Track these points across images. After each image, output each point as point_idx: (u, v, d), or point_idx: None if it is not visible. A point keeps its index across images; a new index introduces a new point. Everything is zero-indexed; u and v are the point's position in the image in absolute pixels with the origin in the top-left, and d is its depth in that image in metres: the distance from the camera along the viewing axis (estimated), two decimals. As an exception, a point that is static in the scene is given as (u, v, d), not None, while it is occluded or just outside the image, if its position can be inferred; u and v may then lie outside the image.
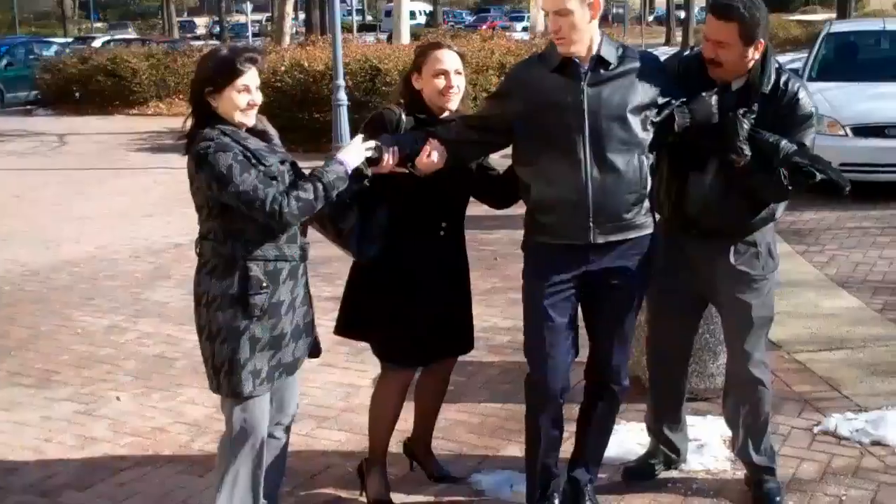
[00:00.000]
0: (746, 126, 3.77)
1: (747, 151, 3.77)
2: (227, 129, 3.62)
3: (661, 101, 3.77)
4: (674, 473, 4.65)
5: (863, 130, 10.97)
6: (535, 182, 3.87)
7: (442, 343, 4.28)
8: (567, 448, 4.32)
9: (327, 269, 7.41)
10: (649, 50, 4.24)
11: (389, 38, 26.30)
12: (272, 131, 3.82)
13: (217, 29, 62.22)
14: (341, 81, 14.07)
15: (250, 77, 3.63)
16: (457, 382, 5.56)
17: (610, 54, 3.75)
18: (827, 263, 8.41)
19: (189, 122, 3.72)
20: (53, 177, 14.93)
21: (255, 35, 47.64)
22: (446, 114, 4.12)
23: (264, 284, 3.63)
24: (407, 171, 3.92)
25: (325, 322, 4.46)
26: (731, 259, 4.12)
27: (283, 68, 16.29)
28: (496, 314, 7.03)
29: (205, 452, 4.98)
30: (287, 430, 4.09)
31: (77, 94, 25.00)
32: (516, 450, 4.86)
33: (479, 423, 5.30)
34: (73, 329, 7.24)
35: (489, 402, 5.54)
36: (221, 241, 3.64)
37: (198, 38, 55.88)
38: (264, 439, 3.84)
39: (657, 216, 4.07)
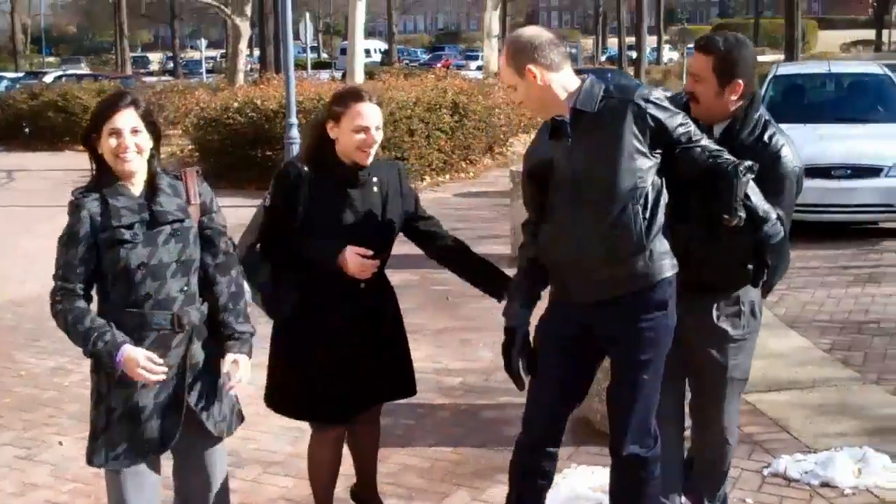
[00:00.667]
0: (745, 187, 3.46)
1: (741, 213, 3.45)
2: (112, 181, 3.45)
3: (658, 140, 3.50)
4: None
5: (810, 172, 11.00)
6: (541, 240, 3.73)
7: (370, 393, 4.14)
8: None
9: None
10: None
11: (344, 76, 26.34)
12: (165, 186, 3.52)
13: (170, 65, 62.12)
14: (294, 119, 14.05)
15: (123, 119, 3.39)
16: (406, 426, 5.51)
17: (588, 103, 3.51)
18: (776, 303, 8.47)
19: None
20: None
21: (209, 72, 47.61)
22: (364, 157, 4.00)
23: None
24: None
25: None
26: (713, 316, 3.92)
27: (235, 105, 16.25)
28: (447, 355, 6.99)
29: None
30: None
31: (27, 130, 24.75)
32: (466, 496, 4.81)
33: (429, 468, 5.25)
34: (16, 371, 7.10)
35: (439, 445, 5.49)
36: (99, 300, 3.50)
37: (151, 74, 55.77)
38: None
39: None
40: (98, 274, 3.44)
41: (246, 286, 3.77)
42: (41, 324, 8.27)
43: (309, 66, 36.03)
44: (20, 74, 39.56)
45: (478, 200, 13.86)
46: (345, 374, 4.00)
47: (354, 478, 4.60)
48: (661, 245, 3.57)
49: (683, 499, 4.29)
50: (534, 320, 3.83)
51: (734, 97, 3.79)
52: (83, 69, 51.91)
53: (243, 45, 30.63)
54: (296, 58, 16.94)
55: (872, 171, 11.16)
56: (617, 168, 3.45)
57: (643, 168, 3.47)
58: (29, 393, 6.64)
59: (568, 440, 5.37)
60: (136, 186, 3.48)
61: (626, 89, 3.56)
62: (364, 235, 3.96)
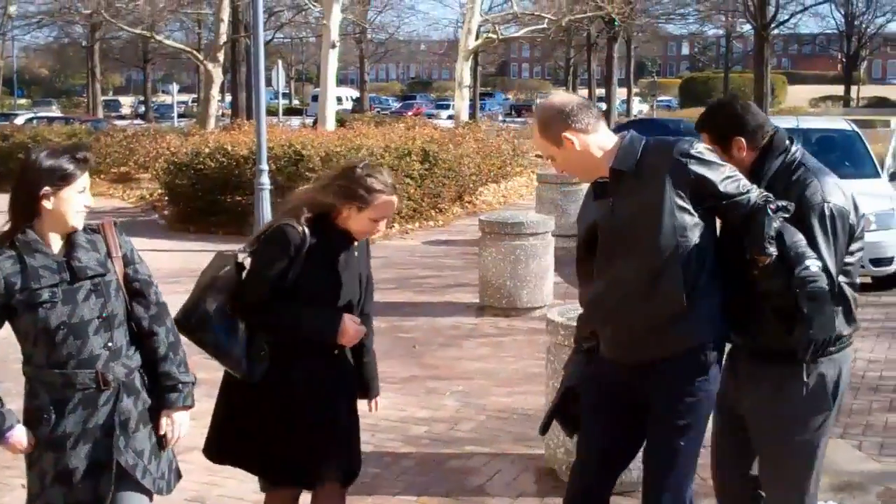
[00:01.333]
0: (776, 224, 3.35)
1: (772, 251, 3.33)
2: (29, 237, 3.32)
3: (702, 195, 3.38)
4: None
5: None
6: (585, 299, 3.68)
7: (321, 465, 3.85)
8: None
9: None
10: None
11: (315, 123, 26.44)
12: (83, 241, 3.41)
13: (142, 109, 62.10)
14: (264, 166, 14.06)
15: (86, 177, 3.38)
16: (372, 473, 5.49)
17: (626, 162, 3.43)
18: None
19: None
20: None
21: (180, 116, 47.65)
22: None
23: (45, 416, 3.35)
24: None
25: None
26: (772, 387, 3.66)
27: (206, 150, 16.26)
28: (413, 404, 6.98)
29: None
30: None
31: (-4, 171, 24.59)
32: (430, 544, 4.80)
33: (394, 516, 5.23)
34: (-22, 414, 7.00)
35: (404, 494, 5.46)
36: (23, 361, 3.41)
37: (122, 117, 55.66)
38: None
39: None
40: (18, 335, 3.36)
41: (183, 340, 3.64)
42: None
43: (280, 112, 36.13)
44: (-10, 116, 39.39)
45: (446, 248, 13.89)
46: (309, 440, 3.80)
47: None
48: (706, 307, 3.42)
49: None
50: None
51: (743, 153, 3.74)
52: (54, 112, 51.87)
53: (215, 91, 30.75)
54: (267, 104, 16.99)
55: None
56: (659, 226, 3.35)
57: (686, 225, 3.36)
58: (-10, 437, 6.56)
59: (530, 490, 5.41)
60: (54, 243, 3.37)
61: (666, 145, 3.45)
62: (350, 301, 3.88)
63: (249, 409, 3.81)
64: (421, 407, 6.85)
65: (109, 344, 3.38)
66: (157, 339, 3.51)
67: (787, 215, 3.38)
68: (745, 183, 3.44)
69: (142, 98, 65.69)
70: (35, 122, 31.90)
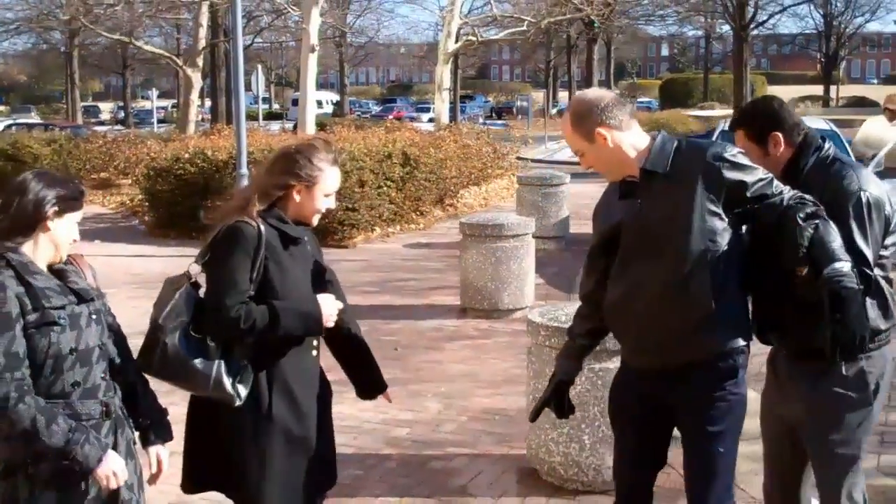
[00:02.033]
0: (808, 233, 3.27)
1: (806, 263, 3.28)
2: (24, 258, 3.13)
3: (735, 200, 3.32)
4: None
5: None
6: (607, 304, 3.56)
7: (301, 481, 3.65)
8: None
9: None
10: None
11: (295, 128, 26.42)
12: (67, 268, 3.28)
13: (121, 114, 61.92)
14: (245, 170, 14.03)
15: (82, 212, 3.27)
16: (354, 476, 5.50)
17: (659, 163, 3.36)
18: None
19: None
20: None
21: (160, 121, 47.46)
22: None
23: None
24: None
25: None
26: (812, 385, 3.65)
27: (186, 156, 16.23)
28: (394, 406, 6.94)
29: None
30: None
31: (-25, 178, 24.51)
32: (413, 545, 4.81)
33: (377, 518, 5.24)
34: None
35: (386, 496, 5.47)
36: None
37: (102, 123, 55.55)
38: None
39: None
40: None
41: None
42: None
43: (260, 116, 36.03)
44: (-31, 123, 39.23)
45: (428, 251, 13.90)
46: (294, 461, 3.61)
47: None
48: (734, 311, 3.40)
49: None
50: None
51: (780, 149, 3.76)
52: (34, 118, 51.61)
53: (195, 96, 30.70)
54: (247, 108, 16.96)
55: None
56: (689, 229, 3.29)
57: (716, 230, 3.31)
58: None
59: (512, 490, 5.43)
60: (43, 267, 3.21)
61: (699, 148, 3.39)
62: (311, 291, 3.65)
63: (223, 433, 3.56)
64: (403, 409, 6.85)
65: (104, 374, 3.25)
66: (131, 371, 3.41)
67: (817, 221, 3.29)
68: (778, 185, 3.39)
69: (121, 104, 65.52)
70: (14, 128, 31.77)
